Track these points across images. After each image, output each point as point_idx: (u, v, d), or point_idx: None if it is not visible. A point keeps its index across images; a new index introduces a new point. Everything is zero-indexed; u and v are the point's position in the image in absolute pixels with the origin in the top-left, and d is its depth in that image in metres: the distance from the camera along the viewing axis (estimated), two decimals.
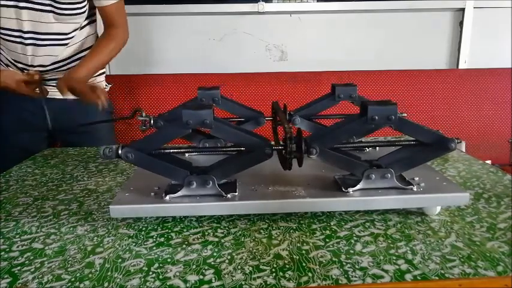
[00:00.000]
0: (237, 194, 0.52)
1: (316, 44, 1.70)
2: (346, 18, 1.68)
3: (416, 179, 0.55)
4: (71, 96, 1.07)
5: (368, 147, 0.69)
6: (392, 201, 0.51)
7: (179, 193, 0.52)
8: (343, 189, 0.52)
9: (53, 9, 0.95)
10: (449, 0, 1.65)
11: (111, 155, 0.50)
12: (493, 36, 1.70)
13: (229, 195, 0.52)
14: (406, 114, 0.68)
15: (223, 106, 0.71)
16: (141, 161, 0.52)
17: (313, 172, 0.59)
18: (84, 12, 1.00)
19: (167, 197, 0.52)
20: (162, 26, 1.66)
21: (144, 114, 0.68)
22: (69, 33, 1.01)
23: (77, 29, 1.02)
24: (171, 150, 0.53)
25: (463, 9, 1.66)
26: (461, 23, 1.68)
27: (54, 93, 1.06)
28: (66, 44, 1.01)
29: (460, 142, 0.50)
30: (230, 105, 0.72)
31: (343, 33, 1.69)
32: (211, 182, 0.51)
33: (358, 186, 0.52)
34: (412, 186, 0.52)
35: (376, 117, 0.49)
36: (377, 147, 0.70)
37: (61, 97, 1.07)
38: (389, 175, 0.52)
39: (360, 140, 0.74)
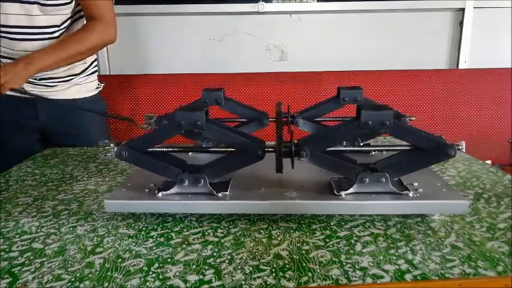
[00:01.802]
0: (227, 193, 0.53)
1: (316, 44, 1.70)
2: (346, 18, 1.68)
3: (416, 184, 0.54)
4: (60, 97, 1.07)
5: (364, 152, 0.68)
6: (385, 206, 0.50)
7: (171, 190, 0.53)
8: (335, 193, 0.52)
9: (37, 0, 0.92)
10: (449, 0, 1.65)
11: (111, 154, 0.51)
12: (493, 36, 1.70)
13: (220, 194, 0.52)
14: (414, 118, 0.68)
15: (227, 107, 0.71)
16: (135, 159, 0.53)
17: (311, 174, 0.59)
18: (70, 2, 0.96)
19: (159, 194, 0.53)
20: (162, 26, 1.66)
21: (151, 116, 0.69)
22: (56, 26, 0.97)
23: (65, 21, 0.99)
24: (163, 149, 0.54)
25: (463, 9, 1.66)
26: (461, 23, 1.68)
27: (46, 93, 1.05)
28: (56, 37, 0.98)
29: (462, 148, 0.49)
30: (234, 106, 0.72)
31: (343, 33, 1.70)
32: (202, 181, 0.52)
33: (350, 190, 0.51)
34: (408, 192, 0.51)
35: (370, 123, 0.48)
36: (373, 152, 0.70)
37: (53, 97, 1.06)
38: (384, 179, 0.51)
39: (366, 143, 0.73)
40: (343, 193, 0.51)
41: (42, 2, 0.92)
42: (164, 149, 0.55)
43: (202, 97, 0.70)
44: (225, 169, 0.54)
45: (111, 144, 0.52)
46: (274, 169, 0.51)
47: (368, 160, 0.56)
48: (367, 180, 0.51)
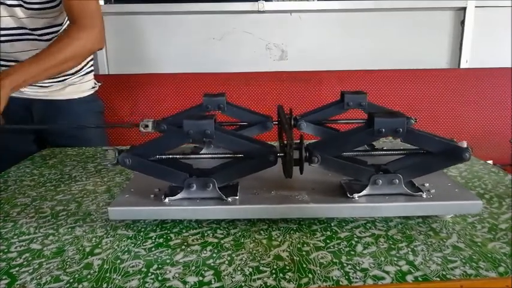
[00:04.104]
0: (237, 197, 0.51)
1: (317, 43, 1.70)
2: (346, 18, 1.67)
3: (427, 185, 0.54)
4: (55, 97, 1.06)
5: (376, 155, 0.67)
6: (399, 208, 0.50)
7: (178, 196, 0.51)
8: (348, 195, 0.51)
9: (20, 2, 0.90)
10: None
11: (113, 161, 0.50)
12: (494, 35, 1.69)
13: (229, 199, 0.51)
14: (415, 121, 0.67)
15: (230, 112, 0.70)
16: (139, 166, 0.51)
17: (319, 176, 0.58)
18: (55, 6, 0.93)
19: (166, 200, 0.51)
20: (162, 25, 1.66)
21: (149, 124, 0.68)
22: (44, 28, 0.96)
23: (56, 25, 0.97)
24: (170, 156, 0.52)
25: (464, 9, 1.65)
26: (462, 23, 1.68)
27: (41, 94, 1.05)
28: (42, 40, 0.97)
29: (469, 150, 0.49)
30: (236, 112, 0.71)
31: (344, 32, 1.69)
32: (211, 185, 0.51)
33: (363, 192, 0.51)
34: (421, 193, 0.50)
35: (383, 130, 0.47)
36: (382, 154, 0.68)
37: (46, 98, 1.05)
38: (397, 181, 0.50)
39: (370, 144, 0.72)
40: (356, 195, 0.50)
41: (25, 5, 0.91)
42: (172, 156, 0.53)
43: (203, 102, 0.69)
44: (235, 174, 0.52)
45: (112, 152, 0.50)
46: (279, 171, 0.50)
47: (373, 161, 0.55)
48: (380, 181, 0.50)
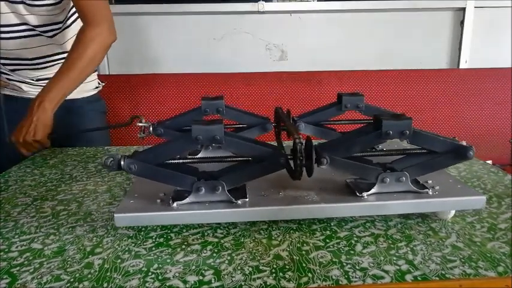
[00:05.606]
0: (247, 200, 0.51)
1: (316, 44, 1.70)
2: (346, 18, 1.68)
3: (430, 182, 0.54)
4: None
5: (383, 155, 0.67)
6: (408, 205, 0.50)
7: (187, 200, 0.50)
8: (358, 194, 0.51)
9: (23, 0, 0.90)
10: None
11: (112, 165, 0.49)
12: (494, 35, 1.69)
13: (239, 202, 0.50)
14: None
15: (228, 116, 0.70)
16: (146, 172, 0.50)
17: (322, 175, 0.57)
18: (57, 3, 0.93)
19: (175, 204, 0.50)
20: (162, 25, 1.66)
21: (143, 121, 0.67)
22: (47, 25, 0.95)
23: (60, 22, 0.97)
24: (177, 161, 0.52)
25: (463, 9, 1.66)
26: (462, 23, 1.68)
27: None
28: (46, 36, 0.96)
29: (473, 149, 0.51)
30: (235, 114, 0.71)
31: (344, 32, 1.69)
32: (220, 188, 0.50)
33: (372, 190, 0.51)
34: (427, 190, 0.51)
35: (391, 132, 0.48)
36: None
37: None
38: (404, 178, 0.51)
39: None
40: (365, 194, 0.51)
41: (27, 2, 0.90)
42: (180, 161, 0.52)
43: (202, 106, 0.69)
44: (245, 177, 0.52)
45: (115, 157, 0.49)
46: (284, 172, 0.50)
47: (376, 160, 0.55)
48: (388, 180, 0.51)
